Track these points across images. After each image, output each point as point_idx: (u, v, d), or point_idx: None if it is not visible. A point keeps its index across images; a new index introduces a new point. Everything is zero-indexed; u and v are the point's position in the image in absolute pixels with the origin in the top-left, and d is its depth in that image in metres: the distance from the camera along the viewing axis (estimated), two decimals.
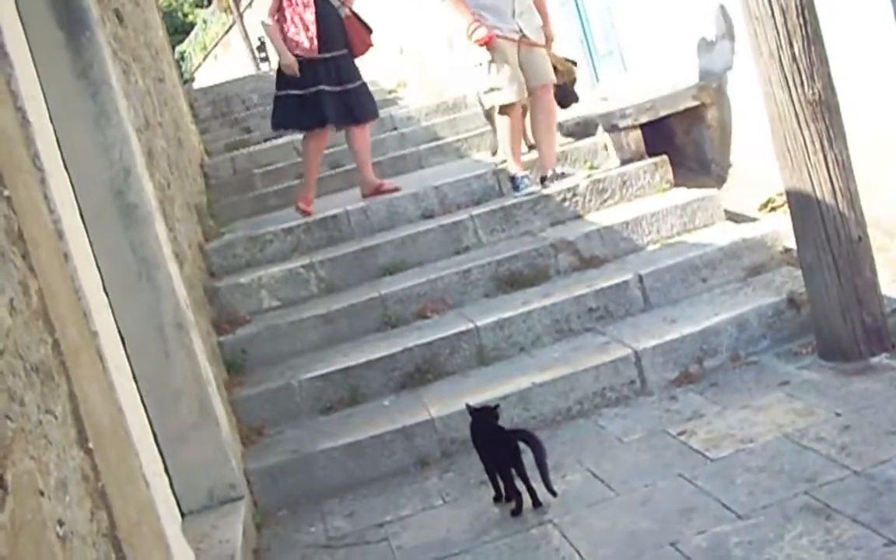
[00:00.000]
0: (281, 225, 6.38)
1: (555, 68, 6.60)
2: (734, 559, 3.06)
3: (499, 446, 3.80)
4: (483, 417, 3.88)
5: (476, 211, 6.14)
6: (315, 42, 6.70)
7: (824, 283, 4.35)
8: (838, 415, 3.86)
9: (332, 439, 4.47)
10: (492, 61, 6.32)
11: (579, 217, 6.05)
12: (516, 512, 3.71)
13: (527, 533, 3.59)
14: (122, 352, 2.99)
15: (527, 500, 3.72)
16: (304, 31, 6.71)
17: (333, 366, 4.94)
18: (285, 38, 6.76)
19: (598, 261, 5.53)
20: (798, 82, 4.23)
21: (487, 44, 6.27)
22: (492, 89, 6.37)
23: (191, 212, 6.04)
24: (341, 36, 6.85)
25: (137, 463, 2.52)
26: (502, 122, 6.41)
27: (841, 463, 3.47)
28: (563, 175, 6.38)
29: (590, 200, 6.10)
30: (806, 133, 4.26)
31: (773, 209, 5.71)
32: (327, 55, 6.75)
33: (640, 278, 5.13)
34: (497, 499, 3.82)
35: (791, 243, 5.01)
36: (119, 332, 3.54)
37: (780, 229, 5.33)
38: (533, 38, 6.41)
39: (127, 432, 2.55)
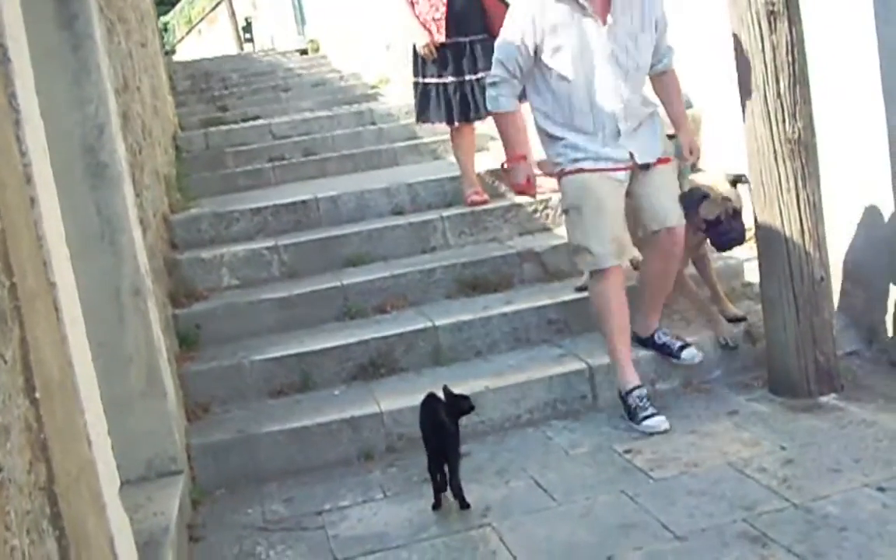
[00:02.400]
0: (249, 205, 6.34)
1: (696, 188, 4.65)
2: None
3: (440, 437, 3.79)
4: (443, 405, 3.86)
5: (446, 212, 6.13)
6: (442, 24, 6.18)
7: (783, 318, 4.39)
8: (783, 448, 3.89)
9: (279, 423, 4.43)
10: (570, 208, 4.48)
11: (548, 229, 6.06)
12: (436, 506, 3.75)
13: (465, 534, 3.57)
14: (79, 308, 2.94)
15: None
16: (432, 12, 6.22)
17: (287, 350, 4.91)
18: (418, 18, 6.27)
19: (562, 274, 5.53)
20: (780, 119, 4.26)
21: (525, 192, 4.74)
22: (575, 248, 4.53)
23: (159, 181, 5.98)
24: (478, 17, 6.17)
25: (82, 421, 2.48)
26: (597, 294, 4.49)
27: (781, 495, 3.49)
28: (669, 347, 4.64)
29: (560, 214, 6.07)
30: (782, 170, 4.29)
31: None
32: (463, 39, 6.20)
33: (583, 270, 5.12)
34: (435, 507, 3.80)
35: (752, 277, 5.06)
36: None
37: (743, 263, 5.36)
38: (652, 159, 4.48)
39: (75, 388, 2.51)
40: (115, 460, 3.74)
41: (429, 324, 5.00)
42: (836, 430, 4.00)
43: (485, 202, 6.22)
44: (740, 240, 4.68)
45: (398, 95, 10.43)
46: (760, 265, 4.54)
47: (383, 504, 3.93)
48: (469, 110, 6.23)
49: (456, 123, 6.31)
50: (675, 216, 4.45)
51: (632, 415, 4.30)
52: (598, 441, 4.23)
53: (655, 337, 4.63)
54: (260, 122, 9.05)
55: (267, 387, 4.80)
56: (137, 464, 3.92)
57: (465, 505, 3.72)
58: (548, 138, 4.52)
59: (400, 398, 4.43)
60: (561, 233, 5.84)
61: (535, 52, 4.36)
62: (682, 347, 4.60)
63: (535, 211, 6.09)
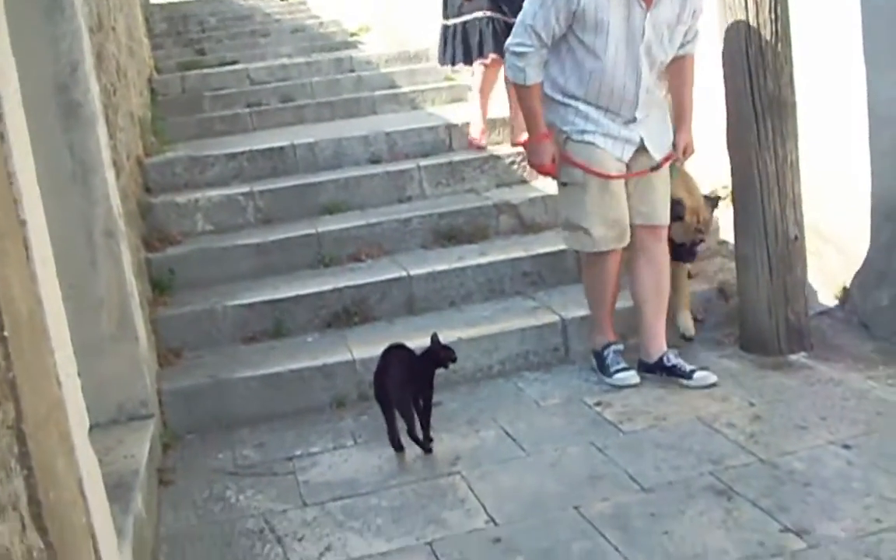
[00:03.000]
0: (225, 150, 6.28)
1: (677, 202, 4.38)
2: (634, 528, 3.10)
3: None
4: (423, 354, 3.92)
5: (424, 162, 6.10)
6: None
7: (756, 276, 4.41)
8: (752, 404, 3.93)
9: (251, 369, 4.43)
10: (571, 182, 4.22)
11: (525, 182, 6.04)
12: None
13: (434, 482, 3.60)
14: (49, 247, 2.91)
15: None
16: None
17: (261, 296, 4.90)
18: None
19: (538, 227, 5.54)
20: (760, 75, 4.26)
21: (549, 174, 4.33)
22: (571, 226, 4.29)
23: (134, 124, 5.91)
24: None
25: (52, 361, 2.45)
26: (593, 276, 4.36)
27: (748, 450, 3.53)
28: (680, 370, 4.24)
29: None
30: (761, 127, 4.30)
31: (714, 203, 5.72)
32: None
33: (577, 250, 5.11)
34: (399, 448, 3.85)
35: (727, 236, 5.07)
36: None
37: (719, 221, 5.37)
38: (657, 157, 4.23)
39: (44, 327, 2.48)
40: (86, 403, 3.73)
41: (403, 273, 4.99)
42: (804, 387, 4.04)
43: (482, 148, 6.28)
44: (692, 259, 4.66)
45: (378, 43, 10.34)
46: (735, 223, 4.55)
47: (354, 451, 3.94)
48: (485, 48, 6.21)
49: (492, 56, 6.16)
50: (663, 216, 4.28)
51: (603, 369, 4.30)
52: (569, 393, 4.26)
53: (664, 359, 4.26)
54: (238, 66, 8.92)
55: (240, 333, 4.79)
56: (108, 407, 3.91)
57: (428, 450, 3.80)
58: (554, 104, 4.18)
59: (373, 346, 4.40)
60: (539, 186, 5.85)
61: (570, 23, 4.02)
62: (693, 371, 4.21)
63: (513, 163, 6.07)
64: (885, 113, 4.43)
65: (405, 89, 8.16)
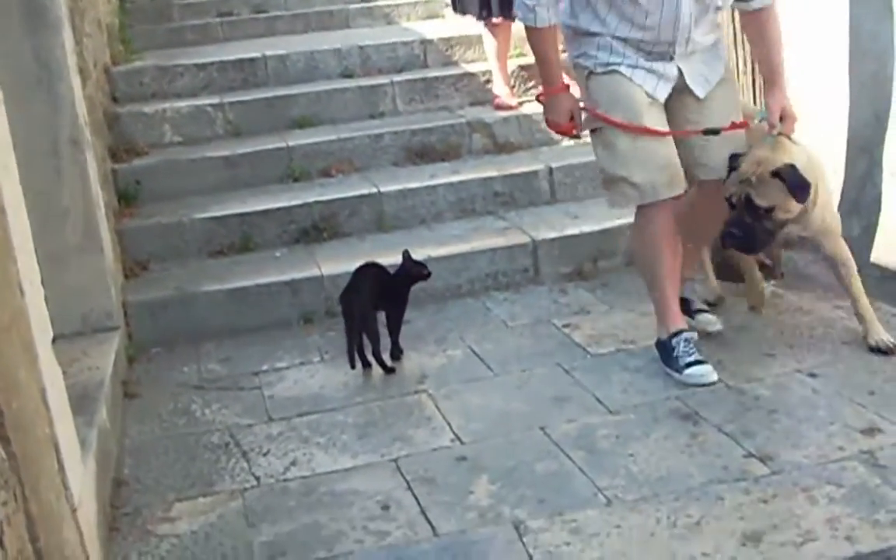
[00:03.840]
0: (195, 60, 6.15)
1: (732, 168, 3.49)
2: (599, 449, 3.11)
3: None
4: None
5: (397, 78, 6.01)
6: None
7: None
8: (720, 331, 3.91)
9: (218, 282, 4.40)
10: (598, 127, 3.53)
11: None
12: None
13: (401, 399, 3.59)
14: (12, 154, 2.84)
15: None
16: None
17: (229, 210, 4.85)
18: None
19: (511, 147, 5.49)
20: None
21: (566, 133, 3.68)
22: (610, 179, 3.57)
23: (101, 31, 5.76)
24: None
25: (14, 268, 2.40)
26: (643, 235, 3.61)
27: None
28: (699, 311, 3.90)
29: (514, 86, 6.00)
30: (739, 53, 4.25)
31: None
32: None
33: (550, 171, 5.11)
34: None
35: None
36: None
37: None
38: (700, 93, 3.52)
39: (7, 234, 2.43)
40: (50, 314, 3.69)
41: (374, 190, 4.95)
42: (773, 316, 4.04)
43: (512, 108, 5.71)
44: (742, 245, 3.62)
45: None
46: None
47: (320, 367, 3.93)
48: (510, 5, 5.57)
49: (494, 18, 5.70)
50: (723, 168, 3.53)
51: (671, 361, 3.52)
52: (538, 314, 4.25)
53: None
54: None
55: (207, 246, 4.74)
56: (72, 318, 3.86)
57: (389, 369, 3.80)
58: (575, 35, 3.51)
59: (341, 262, 4.39)
60: None
61: None
62: (700, 310, 3.88)
63: (488, 81, 5.98)
64: (866, 46, 4.37)
65: (380, 3, 8.03)
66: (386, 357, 3.82)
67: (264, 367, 3.96)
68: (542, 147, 5.49)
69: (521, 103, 5.76)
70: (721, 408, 3.30)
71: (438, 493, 2.95)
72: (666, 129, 3.48)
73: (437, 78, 5.99)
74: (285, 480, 3.12)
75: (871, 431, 3.06)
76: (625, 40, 3.41)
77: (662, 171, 3.43)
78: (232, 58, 6.18)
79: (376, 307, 3.86)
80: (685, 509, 2.74)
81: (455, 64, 6.26)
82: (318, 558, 2.70)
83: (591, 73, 3.49)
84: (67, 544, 2.32)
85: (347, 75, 6.18)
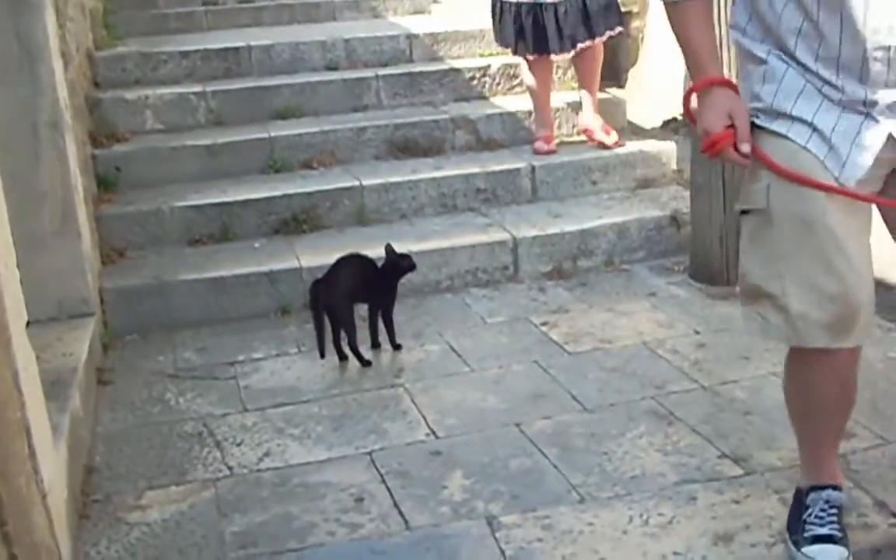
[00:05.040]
0: (178, 47, 6.10)
1: None
2: (574, 447, 3.11)
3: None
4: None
5: (382, 71, 5.97)
6: None
7: (709, 206, 4.39)
8: (697, 332, 3.94)
9: (196, 271, 4.37)
10: (753, 209, 2.33)
11: (485, 98, 5.94)
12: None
13: (377, 393, 3.59)
14: None
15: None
16: None
17: (209, 199, 4.82)
18: None
19: (494, 144, 5.47)
20: (726, 8, 4.19)
21: (720, 148, 2.27)
22: (751, 292, 2.38)
23: (84, 15, 5.72)
24: None
25: None
26: (798, 382, 2.51)
27: (691, 376, 3.55)
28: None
29: (498, 83, 5.99)
30: (724, 55, 4.24)
31: (675, 129, 5.71)
32: None
33: (533, 169, 5.11)
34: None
35: (684, 165, 5.05)
36: None
37: (676, 149, 5.35)
38: None
39: None
40: (25, 298, 3.66)
41: (355, 183, 4.93)
42: None
43: (551, 153, 5.28)
44: None
45: None
46: (693, 150, 4.51)
47: (297, 358, 3.91)
48: (546, 41, 5.14)
49: (529, 55, 5.24)
50: None
51: (796, 523, 2.52)
52: (516, 312, 4.25)
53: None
54: None
55: (186, 235, 4.72)
56: (48, 303, 3.83)
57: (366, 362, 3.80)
58: (746, 59, 2.38)
59: (321, 255, 4.36)
60: (499, 102, 5.79)
61: None
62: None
63: (473, 78, 5.97)
64: None
65: None
66: (364, 350, 3.81)
67: (240, 358, 3.94)
68: (525, 145, 5.47)
69: (558, 146, 5.35)
70: (696, 409, 3.31)
71: (412, 486, 2.95)
72: (866, 226, 2.32)
73: (422, 73, 5.96)
74: (258, 471, 3.10)
75: (844, 436, 3.06)
76: (811, 71, 2.23)
77: (831, 303, 2.25)
78: (216, 47, 6.13)
79: (357, 299, 3.85)
80: (658, 508, 2.75)
81: (441, 59, 6.24)
82: (290, 549, 2.69)
83: (755, 123, 2.30)
84: (36, 529, 2.30)
85: (332, 68, 6.14)
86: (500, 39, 5.39)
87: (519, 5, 5.13)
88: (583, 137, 5.45)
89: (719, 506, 2.74)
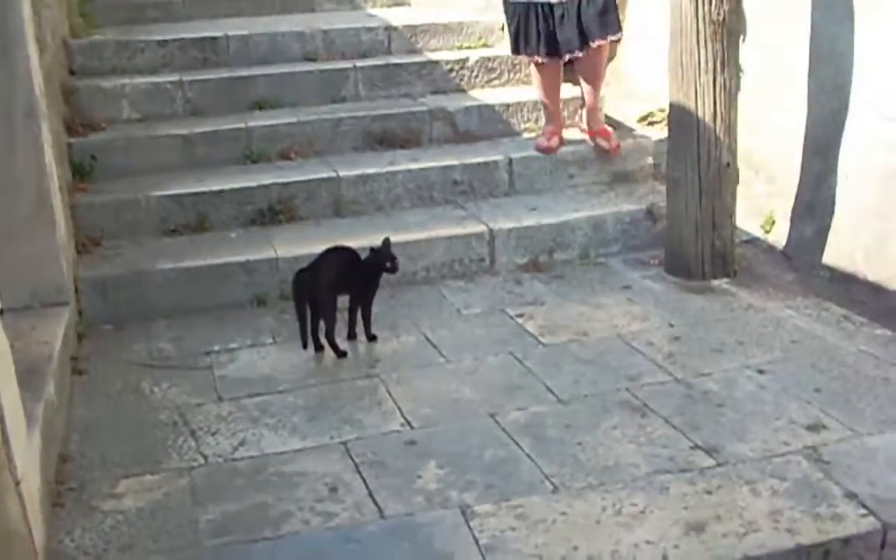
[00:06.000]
0: (155, 36, 6.06)
1: None
2: (548, 438, 3.13)
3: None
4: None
5: (360, 63, 5.96)
6: None
7: (685, 200, 4.42)
8: (671, 326, 3.97)
9: (172, 261, 4.37)
10: None
11: (463, 91, 5.95)
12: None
13: (352, 383, 3.59)
14: None
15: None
16: None
17: (185, 189, 4.80)
18: None
19: (472, 136, 5.48)
20: (708, 0, 4.22)
21: None
22: None
23: (60, 3, 5.68)
24: None
25: None
26: None
27: (665, 369, 3.57)
28: None
29: (476, 76, 5.99)
30: (702, 52, 4.28)
31: (651, 123, 5.73)
32: None
33: (510, 162, 5.12)
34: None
35: (661, 159, 5.08)
36: None
37: (653, 143, 5.37)
38: None
39: None
40: None
41: (332, 174, 4.92)
42: (724, 312, 4.09)
43: (550, 150, 5.24)
44: None
45: None
46: (670, 146, 4.56)
47: (273, 349, 3.91)
48: (556, 45, 5.08)
49: (540, 58, 5.17)
50: None
51: None
52: (492, 304, 4.26)
53: None
54: None
55: (162, 225, 4.70)
56: (22, 292, 3.81)
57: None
58: None
59: (297, 246, 4.38)
60: (475, 95, 5.80)
61: None
62: None
63: (451, 70, 5.97)
64: (826, 48, 4.43)
65: None
66: (340, 341, 3.81)
67: (216, 348, 3.94)
68: (502, 138, 5.49)
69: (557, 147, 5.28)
70: (670, 401, 3.33)
71: (387, 476, 2.96)
72: None
73: (400, 65, 5.96)
74: (233, 460, 3.10)
75: (815, 428, 3.11)
76: None
77: None
78: (194, 36, 6.09)
79: (341, 291, 3.86)
80: (630, 498, 2.77)
81: (419, 52, 6.24)
82: (264, 538, 2.69)
83: None
84: (9, 516, 2.29)
85: (310, 58, 6.12)
86: (523, 44, 5.16)
87: (538, 6, 5.02)
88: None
89: (691, 496, 2.77)
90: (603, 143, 5.22)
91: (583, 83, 5.24)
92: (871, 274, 4.19)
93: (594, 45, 5.02)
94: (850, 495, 2.73)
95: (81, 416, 3.46)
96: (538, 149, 5.24)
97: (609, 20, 5.01)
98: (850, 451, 2.97)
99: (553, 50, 5.09)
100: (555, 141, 5.27)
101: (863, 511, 2.66)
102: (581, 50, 5.01)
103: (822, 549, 2.55)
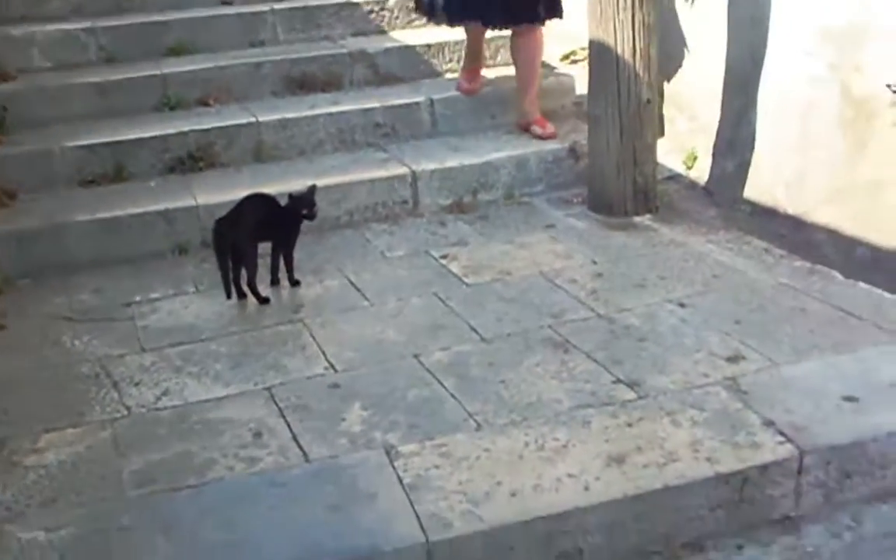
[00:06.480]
0: None
1: None
2: (471, 377, 3.15)
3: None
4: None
5: (278, 6, 5.88)
6: None
7: (606, 138, 4.44)
8: (594, 262, 4.00)
9: (90, 212, 4.29)
10: None
11: (383, 32, 5.91)
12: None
13: (276, 329, 3.57)
14: None
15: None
16: None
17: (102, 138, 4.71)
18: None
19: (393, 79, 5.45)
20: None
21: None
22: None
23: None
24: None
25: None
26: None
27: (588, 305, 3.61)
28: None
29: (397, 17, 5.95)
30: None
31: (573, 62, 5.75)
32: None
33: (432, 102, 5.10)
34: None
35: (583, 98, 5.08)
36: None
37: (575, 82, 5.39)
38: None
39: None
40: None
41: (252, 119, 4.87)
42: (646, 248, 4.13)
43: (472, 92, 5.20)
44: None
45: None
46: (590, 84, 4.55)
47: (195, 298, 3.87)
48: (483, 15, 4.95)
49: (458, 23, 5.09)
50: None
51: None
52: (416, 246, 4.26)
53: None
54: None
55: (78, 175, 4.62)
56: None
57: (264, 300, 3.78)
58: None
59: (218, 193, 4.32)
60: (396, 36, 5.76)
61: None
62: None
63: (371, 12, 5.92)
64: None
65: None
66: (262, 288, 3.78)
67: (137, 298, 3.88)
68: (424, 79, 5.47)
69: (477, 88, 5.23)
70: (592, 336, 3.37)
71: (311, 419, 2.95)
72: None
73: (318, 6, 5.89)
74: (157, 410, 3.07)
75: (735, 359, 3.17)
76: None
77: None
78: None
79: (262, 238, 3.81)
80: (553, 433, 2.80)
81: None
82: (189, 486, 2.67)
83: None
84: None
85: (226, 2, 6.02)
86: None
87: None
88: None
89: (613, 429, 2.81)
90: (538, 131, 4.98)
91: (518, 65, 5.05)
92: (791, 207, 4.27)
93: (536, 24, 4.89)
94: (768, 423, 2.78)
95: (1, 372, 3.39)
96: (460, 90, 5.21)
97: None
98: (768, 381, 3.03)
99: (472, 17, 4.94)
100: (477, 82, 5.24)
101: (780, 438, 2.72)
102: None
103: (741, 476, 2.60)
